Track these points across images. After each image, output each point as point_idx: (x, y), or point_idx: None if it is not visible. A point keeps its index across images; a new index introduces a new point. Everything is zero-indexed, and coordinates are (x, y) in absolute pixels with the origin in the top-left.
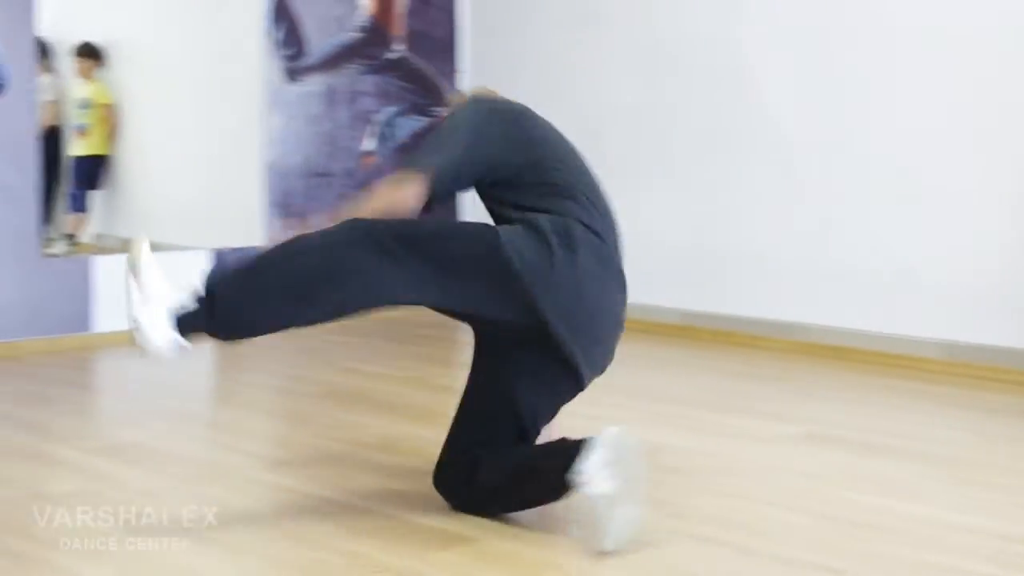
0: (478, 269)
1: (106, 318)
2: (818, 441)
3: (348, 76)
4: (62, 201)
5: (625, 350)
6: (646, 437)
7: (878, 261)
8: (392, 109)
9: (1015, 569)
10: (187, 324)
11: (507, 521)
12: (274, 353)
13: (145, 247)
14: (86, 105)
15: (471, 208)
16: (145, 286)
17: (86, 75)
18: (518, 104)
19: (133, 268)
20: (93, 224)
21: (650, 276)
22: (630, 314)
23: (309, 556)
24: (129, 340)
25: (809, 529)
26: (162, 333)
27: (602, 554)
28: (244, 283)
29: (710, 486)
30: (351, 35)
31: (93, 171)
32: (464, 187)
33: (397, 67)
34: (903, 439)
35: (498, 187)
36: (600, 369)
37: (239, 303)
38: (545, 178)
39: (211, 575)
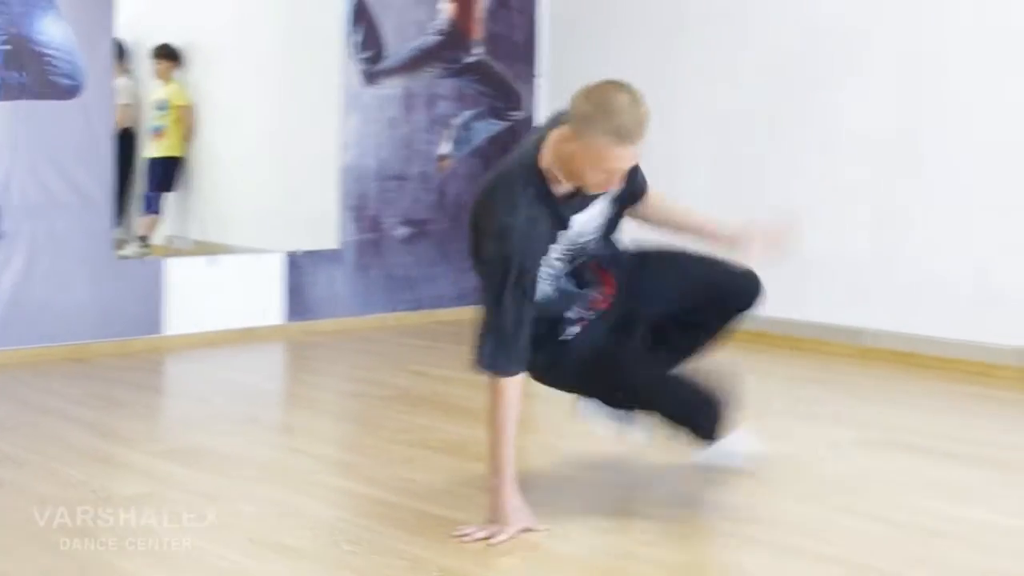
0: None
1: (177, 321)
2: (889, 447)
3: (426, 79)
4: (135, 203)
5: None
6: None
7: (952, 268)
8: (469, 112)
9: None
10: None
11: (574, 525)
12: (343, 357)
13: None
14: (163, 107)
15: None
16: None
17: (163, 76)
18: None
19: None
20: (165, 226)
21: None
22: None
23: (373, 561)
24: None
25: (879, 535)
26: None
27: (671, 560)
28: None
29: (780, 491)
30: (430, 38)
31: (167, 173)
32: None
33: (475, 71)
34: (974, 445)
35: None
36: None
37: None
38: None
39: None
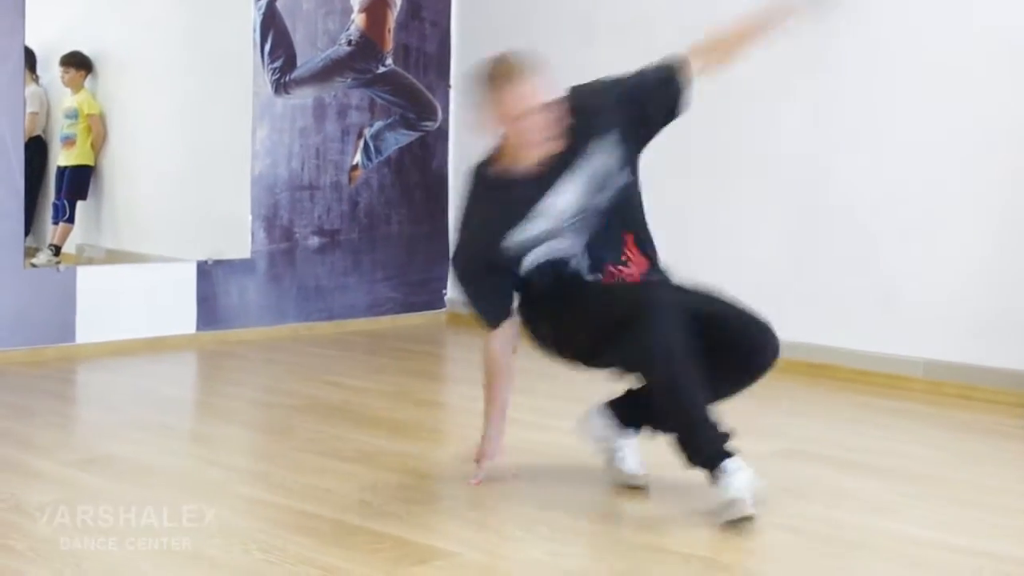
0: None
1: (89, 329)
2: (798, 458)
3: (337, 89)
4: (46, 211)
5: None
6: None
7: (860, 280)
8: (380, 123)
9: None
10: None
11: (486, 535)
12: (255, 366)
13: None
14: (73, 115)
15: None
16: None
17: (73, 85)
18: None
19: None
20: (77, 235)
21: None
22: None
23: (286, 570)
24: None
25: (787, 547)
26: None
27: (576, 568)
28: None
29: (689, 503)
30: (342, 48)
31: (79, 181)
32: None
33: (387, 81)
34: (882, 456)
35: None
36: None
37: None
38: None
39: None
